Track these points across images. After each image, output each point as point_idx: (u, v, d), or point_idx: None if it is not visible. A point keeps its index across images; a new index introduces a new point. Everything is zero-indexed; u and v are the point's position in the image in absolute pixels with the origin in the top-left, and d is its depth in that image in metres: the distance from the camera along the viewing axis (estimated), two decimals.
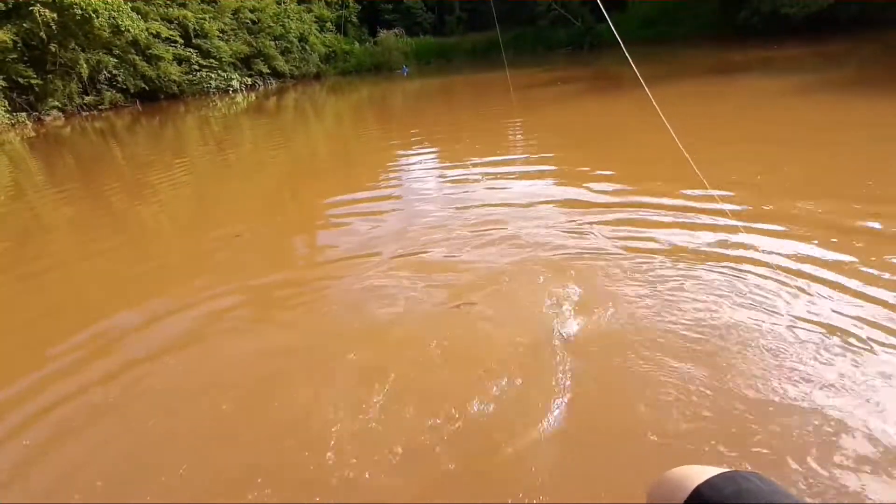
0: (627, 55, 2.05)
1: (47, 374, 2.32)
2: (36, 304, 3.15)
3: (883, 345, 1.83)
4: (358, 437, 1.74)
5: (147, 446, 1.85)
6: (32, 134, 14.08)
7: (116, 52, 18.60)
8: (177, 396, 2.11)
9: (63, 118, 17.31)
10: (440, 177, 5.18)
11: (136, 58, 19.35)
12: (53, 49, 16.30)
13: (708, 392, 1.71)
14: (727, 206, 3.15)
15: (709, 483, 0.68)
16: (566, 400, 1.76)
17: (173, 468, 1.71)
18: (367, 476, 1.58)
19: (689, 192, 3.53)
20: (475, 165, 5.28)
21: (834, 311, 2.05)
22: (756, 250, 2.61)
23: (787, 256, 2.52)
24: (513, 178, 4.70)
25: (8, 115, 15.49)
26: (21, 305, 3.18)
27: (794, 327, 1.98)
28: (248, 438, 1.83)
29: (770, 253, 2.56)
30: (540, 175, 4.73)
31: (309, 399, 1.97)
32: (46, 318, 2.94)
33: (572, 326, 2.14)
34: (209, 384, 2.16)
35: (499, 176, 4.80)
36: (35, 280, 3.54)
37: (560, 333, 2.10)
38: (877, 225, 2.78)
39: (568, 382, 1.84)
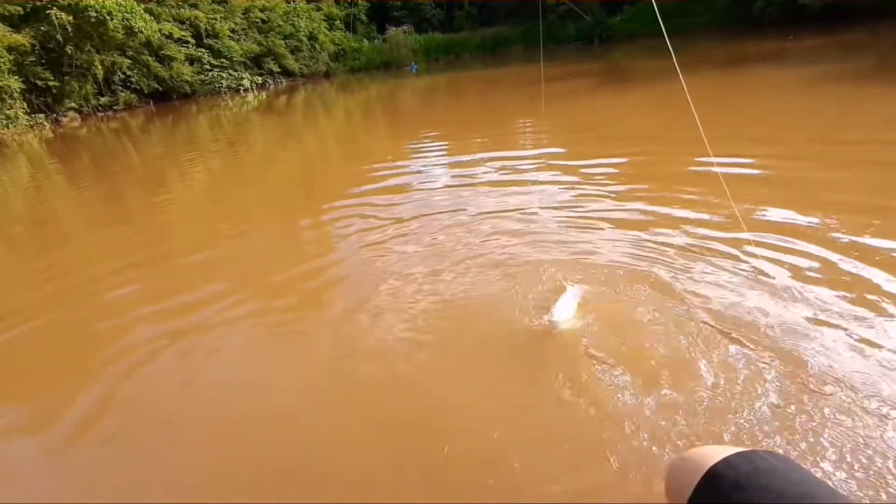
0: (670, 45, 2.02)
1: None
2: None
3: None
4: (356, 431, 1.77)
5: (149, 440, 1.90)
6: (50, 135, 14.38)
7: (130, 53, 18.90)
8: (178, 386, 2.15)
9: (79, 119, 17.65)
10: (448, 170, 5.17)
11: (150, 58, 19.64)
12: (69, 51, 16.61)
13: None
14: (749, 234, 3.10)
15: (725, 461, 0.68)
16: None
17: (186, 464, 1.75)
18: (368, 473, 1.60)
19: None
20: (487, 160, 5.26)
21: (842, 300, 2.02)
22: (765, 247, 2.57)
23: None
24: (522, 173, 4.68)
25: (27, 117, 15.85)
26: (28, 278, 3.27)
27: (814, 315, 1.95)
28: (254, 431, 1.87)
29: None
30: (551, 169, 4.71)
31: (313, 391, 2.01)
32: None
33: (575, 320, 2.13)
34: (212, 377, 2.21)
35: (508, 170, 4.79)
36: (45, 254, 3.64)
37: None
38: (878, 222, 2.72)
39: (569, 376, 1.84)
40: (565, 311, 2.09)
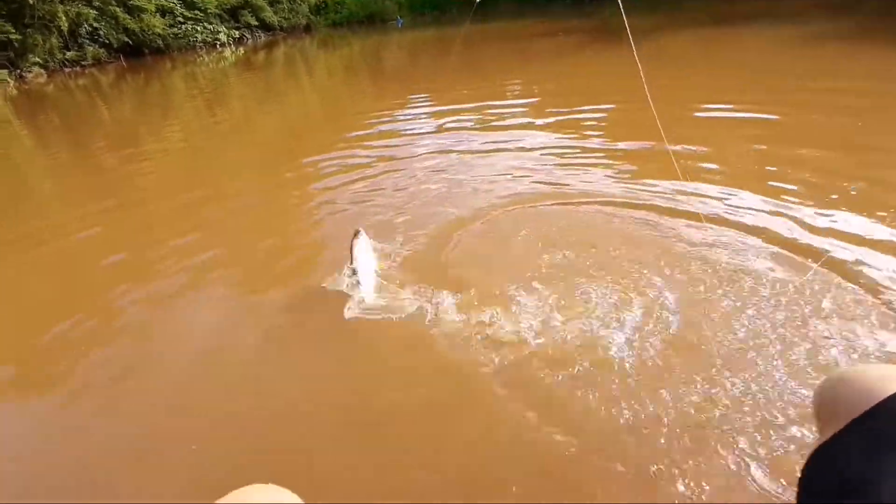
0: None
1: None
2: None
3: None
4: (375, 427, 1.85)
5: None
6: (14, 92, 13.67)
7: (96, 3, 17.74)
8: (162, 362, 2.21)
9: (45, 75, 16.73)
10: (435, 129, 5.13)
11: (117, 9, 18.46)
12: (31, 1, 15.53)
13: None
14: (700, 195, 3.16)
15: None
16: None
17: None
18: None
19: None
20: (486, 122, 5.20)
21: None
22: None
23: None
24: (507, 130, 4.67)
25: None
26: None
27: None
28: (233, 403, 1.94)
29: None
30: (532, 126, 4.69)
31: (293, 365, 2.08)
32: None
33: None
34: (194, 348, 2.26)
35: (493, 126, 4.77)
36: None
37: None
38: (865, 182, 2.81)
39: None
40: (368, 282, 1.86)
